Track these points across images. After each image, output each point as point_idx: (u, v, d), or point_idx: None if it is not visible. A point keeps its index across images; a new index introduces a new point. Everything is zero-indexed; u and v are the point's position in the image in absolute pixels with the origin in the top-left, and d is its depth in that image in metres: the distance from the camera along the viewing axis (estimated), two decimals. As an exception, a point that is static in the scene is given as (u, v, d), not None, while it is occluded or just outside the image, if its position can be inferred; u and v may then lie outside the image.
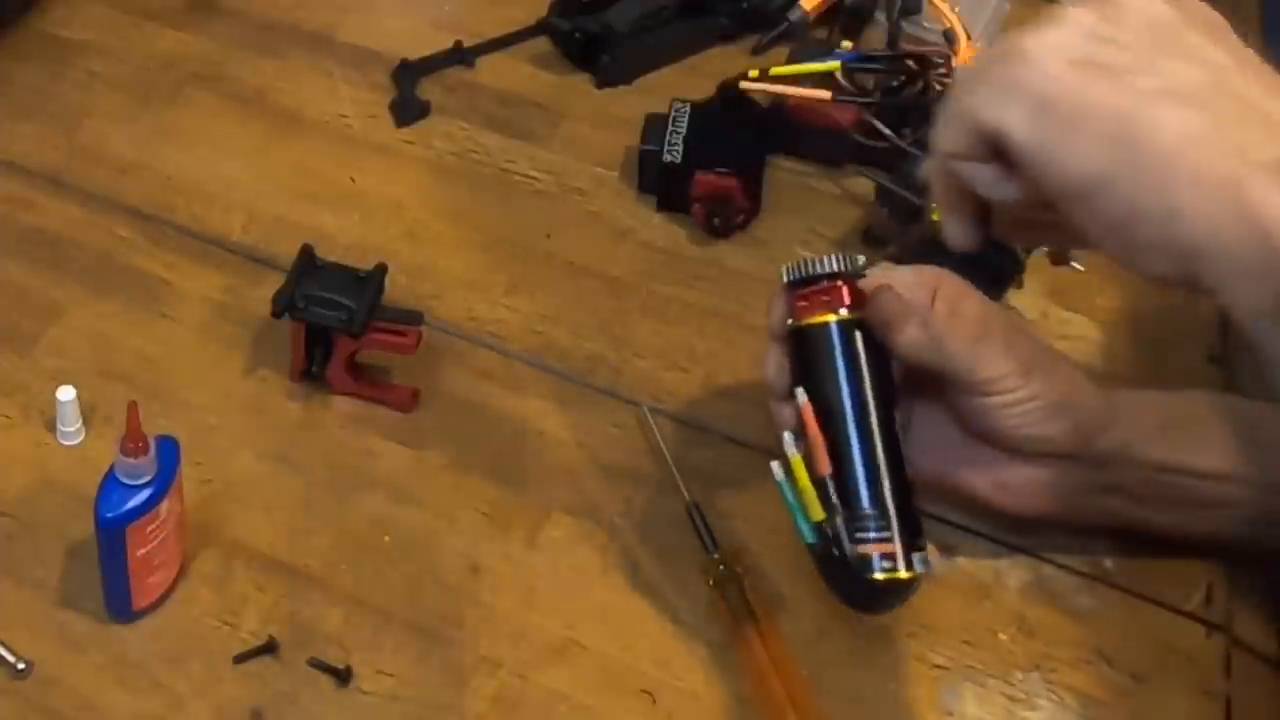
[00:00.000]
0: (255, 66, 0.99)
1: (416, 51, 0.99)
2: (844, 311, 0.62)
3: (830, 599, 0.69)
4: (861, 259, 0.63)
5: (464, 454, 0.75)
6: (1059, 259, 0.82)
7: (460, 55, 1.00)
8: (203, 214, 0.88)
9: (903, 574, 0.59)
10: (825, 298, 0.62)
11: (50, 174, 0.90)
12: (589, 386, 0.79)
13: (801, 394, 0.61)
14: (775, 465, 0.61)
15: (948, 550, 0.72)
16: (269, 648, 0.66)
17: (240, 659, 0.66)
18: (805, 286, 0.63)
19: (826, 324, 0.62)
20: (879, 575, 0.59)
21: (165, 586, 0.68)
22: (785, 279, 0.64)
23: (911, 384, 0.66)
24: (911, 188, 0.85)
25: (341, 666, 0.66)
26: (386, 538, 0.71)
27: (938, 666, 0.68)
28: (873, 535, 0.59)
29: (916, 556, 0.59)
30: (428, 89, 0.97)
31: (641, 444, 0.76)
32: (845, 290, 0.62)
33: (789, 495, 0.61)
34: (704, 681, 0.67)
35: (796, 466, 0.60)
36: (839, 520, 0.59)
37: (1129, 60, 0.47)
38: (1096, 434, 0.65)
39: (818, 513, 0.60)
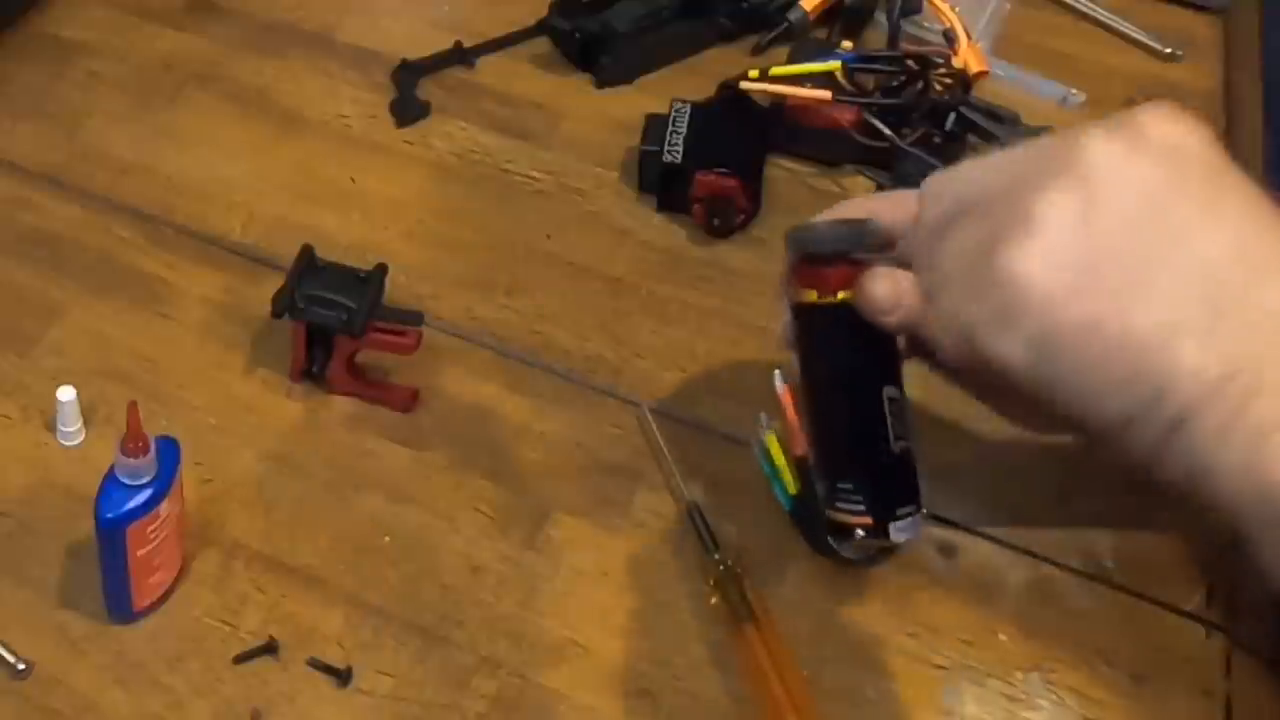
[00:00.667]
0: (255, 66, 0.99)
1: (416, 51, 0.99)
2: (840, 294, 0.60)
3: (830, 599, 0.70)
4: (870, 221, 0.61)
5: (464, 454, 0.75)
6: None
7: (460, 55, 1.00)
8: (203, 214, 0.88)
9: (878, 542, 0.61)
10: (822, 277, 0.60)
11: (50, 174, 0.90)
12: (589, 386, 0.79)
13: (779, 379, 0.63)
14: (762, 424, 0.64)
15: (947, 550, 0.72)
16: (269, 648, 0.66)
17: (240, 659, 0.66)
18: (809, 260, 0.61)
19: (819, 305, 0.61)
20: (851, 551, 0.62)
21: (165, 586, 0.68)
22: (791, 248, 0.62)
23: None
24: (911, 188, 0.85)
25: (341, 666, 0.66)
26: (386, 538, 0.71)
27: (938, 666, 0.68)
28: (850, 508, 0.61)
29: (894, 526, 0.60)
30: (428, 89, 0.97)
31: (641, 444, 0.76)
32: (843, 272, 0.60)
33: (766, 467, 0.62)
34: (704, 681, 0.67)
35: (771, 444, 0.63)
36: (820, 489, 0.61)
37: (1125, 280, 0.43)
38: None
39: (793, 486, 0.63)
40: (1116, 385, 0.44)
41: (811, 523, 0.64)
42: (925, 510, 0.62)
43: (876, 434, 0.61)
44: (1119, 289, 0.44)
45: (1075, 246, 0.44)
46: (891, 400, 0.61)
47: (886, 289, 0.57)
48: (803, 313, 0.62)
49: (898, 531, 0.60)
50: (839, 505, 0.61)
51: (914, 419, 0.62)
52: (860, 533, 0.61)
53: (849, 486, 0.61)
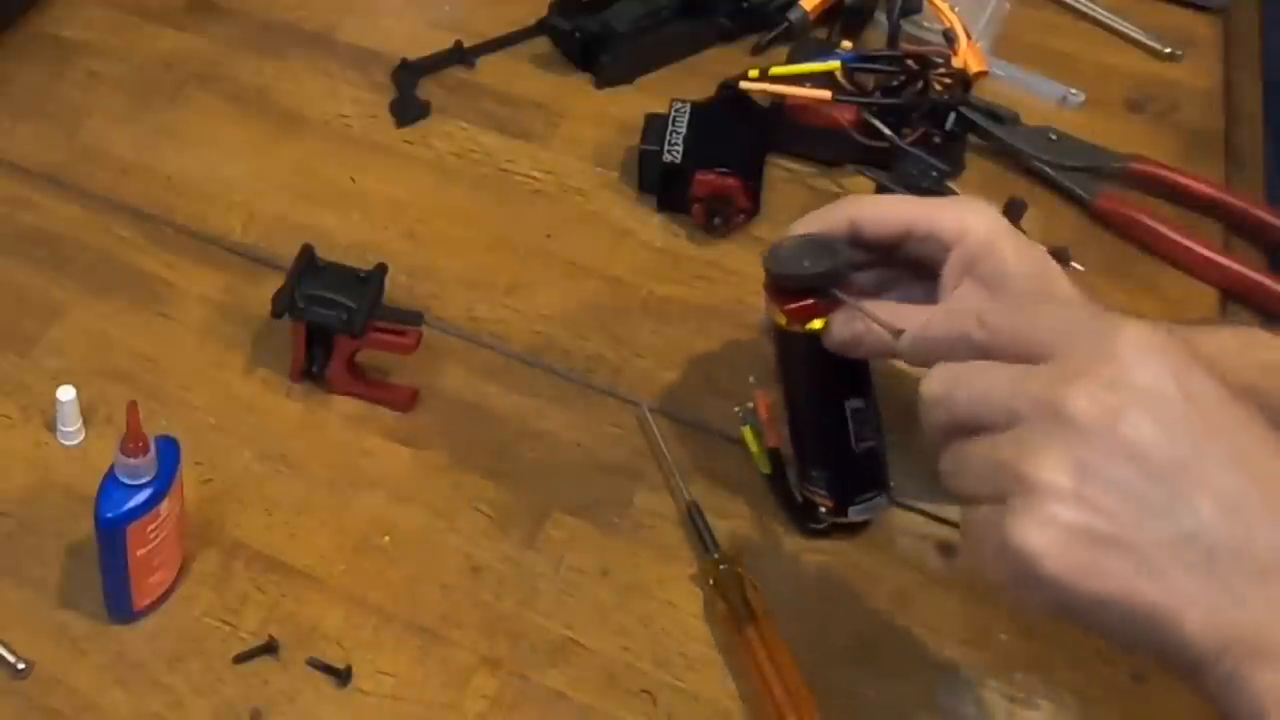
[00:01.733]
0: (255, 66, 0.99)
1: (416, 51, 0.99)
2: (808, 325, 0.65)
3: (830, 599, 0.70)
4: (838, 241, 0.66)
5: (464, 454, 0.75)
6: (1059, 259, 0.81)
7: (460, 55, 1.00)
8: (203, 214, 0.88)
9: (838, 519, 0.70)
10: (791, 309, 0.66)
11: (50, 174, 0.90)
12: (589, 386, 0.79)
13: (753, 380, 0.72)
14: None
15: (948, 550, 0.72)
16: (269, 648, 0.66)
17: (240, 659, 0.66)
18: (780, 288, 0.66)
19: (796, 333, 0.66)
20: (819, 523, 0.71)
21: (165, 586, 0.68)
22: (769, 267, 0.66)
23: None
24: (911, 188, 0.85)
25: (341, 666, 0.66)
26: (386, 538, 0.71)
27: (938, 666, 0.68)
28: (817, 490, 0.70)
29: (853, 508, 0.69)
30: (428, 89, 0.97)
31: (641, 444, 0.76)
32: (811, 306, 0.65)
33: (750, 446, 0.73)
34: (704, 681, 0.67)
35: (746, 436, 0.72)
36: (794, 471, 0.71)
37: (1123, 557, 0.44)
38: None
39: (765, 468, 0.72)
40: (1131, 644, 0.46)
41: (783, 498, 0.73)
42: (892, 495, 0.71)
43: (840, 438, 0.68)
44: (1122, 569, 0.45)
45: (1077, 519, 0.45)
46: (855, 410, 0.68)
47: (851, 334, 0.64)
48: (775, 331, 0.68)
49: (856, 512, 0.70)
50: (808, 488, 0.70)
51: (883, 419, 0.69)
52: (823, 510, 0.70)
53: (816, 474, 0.70)
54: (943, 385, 0.50)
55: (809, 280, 0.65)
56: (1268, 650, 0.43)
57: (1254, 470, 0.45)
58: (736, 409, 0.72)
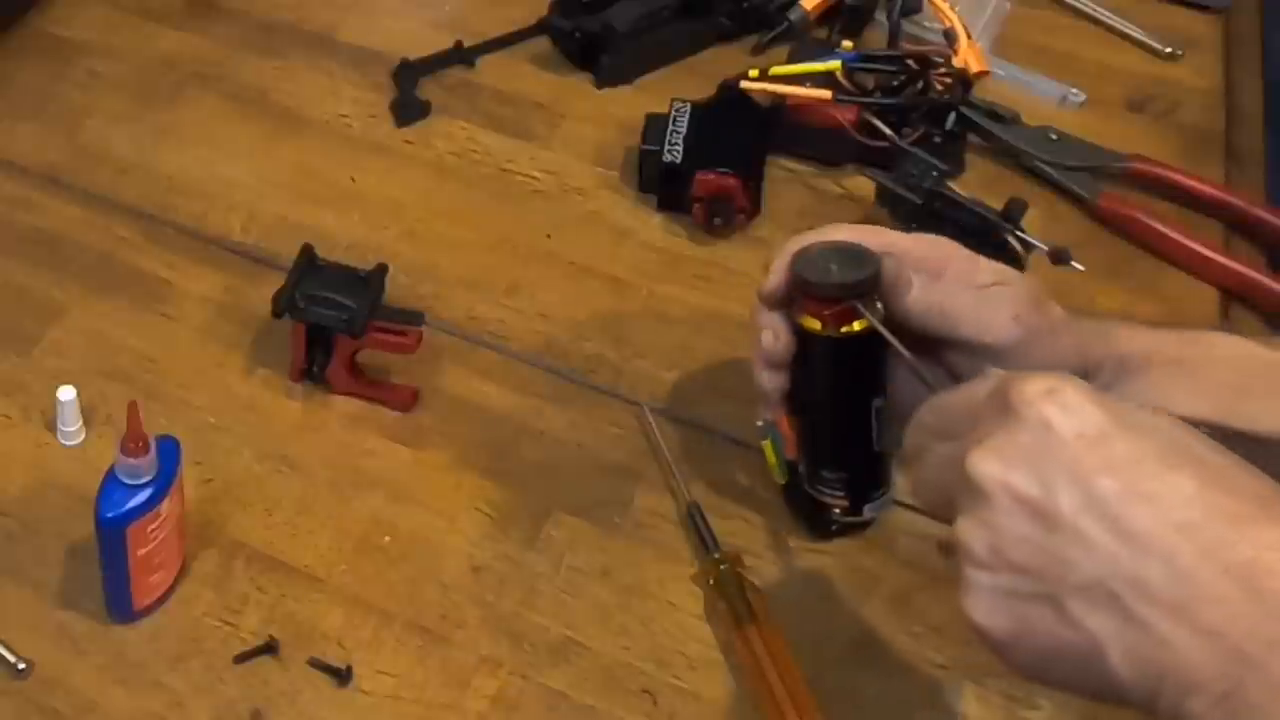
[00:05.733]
0: (255, 66, 0.99)
1: (416, 51, 0.99)
2: (843, 329, 0.64)
3: (831, 599, 0.70)
4: (867, 247, 0.65)
5: (464, 454, 0.75)
6: (1059, 259, 0.82)
7: (460, 55, 1.00)
8: (203, 214, 0.88)
9: (853, 519, 0.69)
10: (824, 314, 0.64)
11: (50, 174, 0.90)
12: (589, 386, 0.79)
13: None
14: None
15: (948, 550, 0.72)
16: (269, 648, 0.66)
17: (240, 659, 0.66)
18: (816, 293, 0.64)
19: (820, 335, 0.65)
20: (833, 525, 0.71)
21: (165, 586, 0.68)
22: (795, 270, 0.65)
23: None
24: (911, 188, 0.85)
25: (341, 666, 0.66)
26: (386, 538, 0.71)
27: (938, 666, 0.68)
28: (831, 492, 0.68)
29: (868, 506, 0.68)
30: (428, 89, 0.97)
31: (641, 444, 0.76)
32: (845, 310, 0.64)
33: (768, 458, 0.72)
34: (704, 681, 0.67)
35: (767, 450, 0.71)
36: (803, 469, 0.69)
37: (1041, 589, 0.45)
38: None
39: (782, 478, 0.71)
40: (1090, 694, 0.46)
41: (796, 503, 0.73)
42: (894, 490, 0.69)
43: (863, 437, 0.66)
44: (1044, 622, 0.45)
45: (998, 582, 0.46)
46: (878, 410, 0.66)
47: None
48: (804, 334, 0.66)
49: (870, 510, 0.68)
50: (820, 489, 0.68)
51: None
52: (836, 511, 0.68)
53: (831, 476, 0.67)
54: (912, 450, 0.53)
55: (842, 290, 0.64)
56: (1198, 684, 0.42)
57: (1156, 505, 0.44)
58: (759, 423, 0.70)
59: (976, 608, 0.47)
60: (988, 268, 0.65)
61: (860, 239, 0.65)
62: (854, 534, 0.72)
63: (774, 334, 0.66)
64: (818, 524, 0.72)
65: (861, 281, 0.63)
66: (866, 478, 0.68)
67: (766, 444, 0.71)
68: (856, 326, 0.64)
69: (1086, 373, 0.61)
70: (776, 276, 0.66)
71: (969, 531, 0.47)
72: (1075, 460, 0.44)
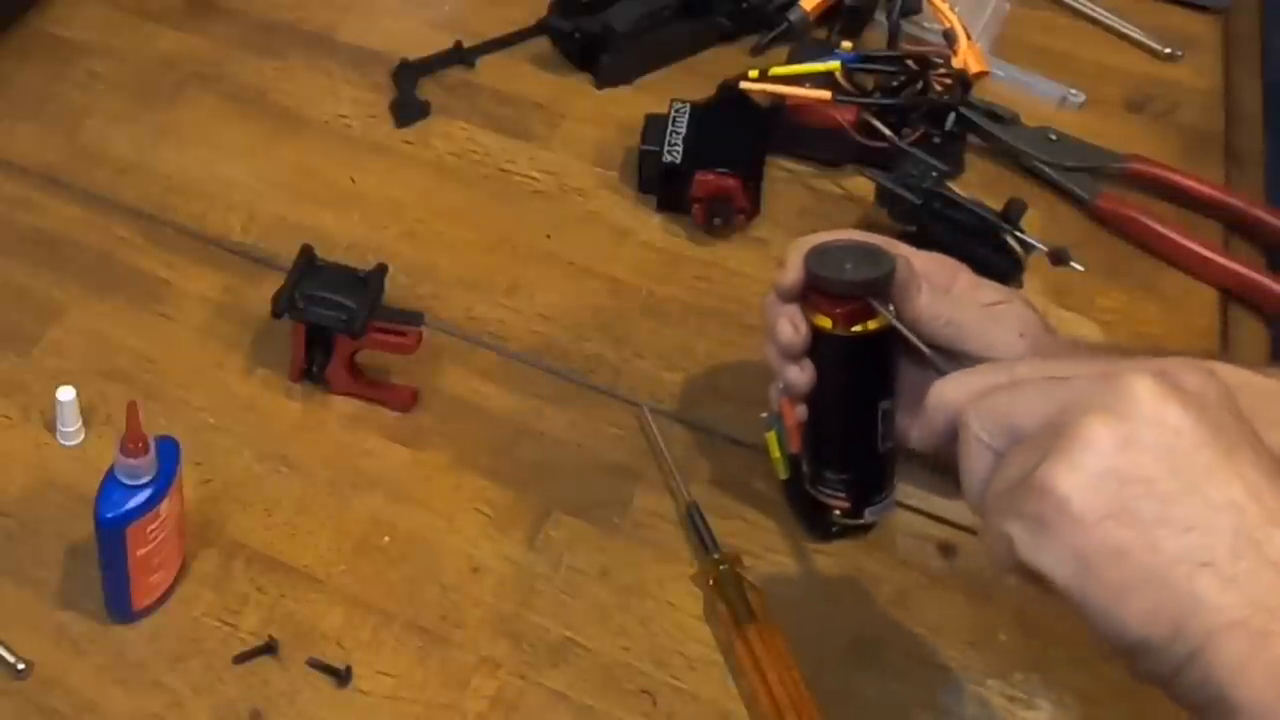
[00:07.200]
0: (255, 66, 0.99)
1: (416, 51, 0.99)
2: (854, 328, 0.64)
3: (830, 599, 0.70)
4: (881, 247, 0.65)
5: (464, 454, 0.75)
6: (1059, 259, 0.82)
7: (460, 55, 1.00)
8: (203, 214, 0.88)
9: (853, 521, 0.69)
10: (836, 312, 0.64)
11: (50, 174, 0.90)
12: (589, 386, 0.79)
13: (774, 390, 0.68)
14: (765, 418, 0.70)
15: (948, 551, 0.72)
16: (268, 648, 0.66)
17: (240, 659, 0.66)
18: (830, 290, 0.64)
19: (831, 333, 0.65)
20: (833, 526, 0.71)
21: (165, 586, 0.68)
22: (807, 266, 0.65)
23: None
24: (911, 188, 0.85)
25: (341, 666, 0.66)
26: (386, 538, 0.71)
27: (938, 666, 0.68)
28: (832, 493, 0.68)
29: (870, 509, 0.68)
30: (428, 89, 0.97)
31: (641, 444, 0.76)
32: (856, 309, 0.64)
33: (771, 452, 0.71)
34: (703, 682, 0.67)
35: (770, 442, 0.70)
36: (806, 469, 0.69)
37: (1156, 511, 0.46)
38: None
39: (784, 473, 0.70)
40: (1138, 617, 0.46)
41: (796, 502, 0.73)
42: (896, 494, 0.69)
43: (868, 439, 0.66)
44: (1147, 521, 0.46)
45: (1112, 473, 0.46)
46: (885, 412, 0.66)
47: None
48: (813, 333, 0.65)
49: (871, 513, 0.68)
50: (822, 490, 0.68)
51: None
52: (837, 513, 0.68)
53: (834, 477, 0.68)
54: (997, 400, 0.51)
55: (854, 288, 0.64)
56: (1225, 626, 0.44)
57: (1273, 474, 0.46)
58: (764, 415, 0.70)
59: (1074, 476, 0.46)
60: (992, 288, 0.66)
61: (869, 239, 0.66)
62: (853, 536, 0.72)
63: (793, 326, 0.65)
64: (817, 525, 0.72)
65: (876, 279, 0.63)
66: (869, 480, 0.68)
67: (770, 436, 0.70)
68: (868, 326, 0.64)
69: None
70: (794, 272, 0.65)
71: (1101, 426, 0.47)
72: (1222, 418, 0.47)
